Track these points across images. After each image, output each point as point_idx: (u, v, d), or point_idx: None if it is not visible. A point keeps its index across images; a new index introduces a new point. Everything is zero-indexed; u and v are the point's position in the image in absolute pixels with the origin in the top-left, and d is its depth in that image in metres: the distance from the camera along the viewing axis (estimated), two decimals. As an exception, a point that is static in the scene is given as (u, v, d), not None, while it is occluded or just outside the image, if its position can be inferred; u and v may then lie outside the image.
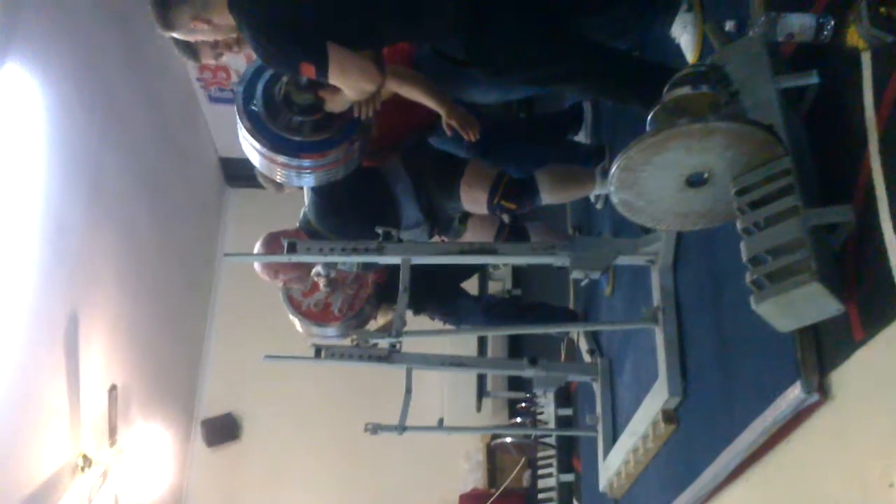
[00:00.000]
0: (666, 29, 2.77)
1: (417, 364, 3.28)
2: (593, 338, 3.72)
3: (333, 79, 2.59)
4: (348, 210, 3.16)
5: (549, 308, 4.08)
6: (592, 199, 3.58)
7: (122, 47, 5.29)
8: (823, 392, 1.81)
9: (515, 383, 6.10)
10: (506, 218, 3.56)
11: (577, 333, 3.93)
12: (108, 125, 5.11)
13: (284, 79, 2.82)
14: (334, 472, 6.42)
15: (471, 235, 3.52)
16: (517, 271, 6.25)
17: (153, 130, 5.91)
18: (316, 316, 3.74)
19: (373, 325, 3.92)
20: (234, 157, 7.01)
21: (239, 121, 2.84)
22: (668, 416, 2.61)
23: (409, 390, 3.32)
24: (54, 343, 4.46)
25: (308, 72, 2.57)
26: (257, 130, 2.81)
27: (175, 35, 2.70)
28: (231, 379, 6.71)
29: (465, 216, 3.43)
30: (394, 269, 3.35)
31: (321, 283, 3.55)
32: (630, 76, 2.69)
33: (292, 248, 2.75)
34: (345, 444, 6.28)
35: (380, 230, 2.83)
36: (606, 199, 3.49)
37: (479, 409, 6.34)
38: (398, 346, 3.00)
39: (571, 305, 4.22)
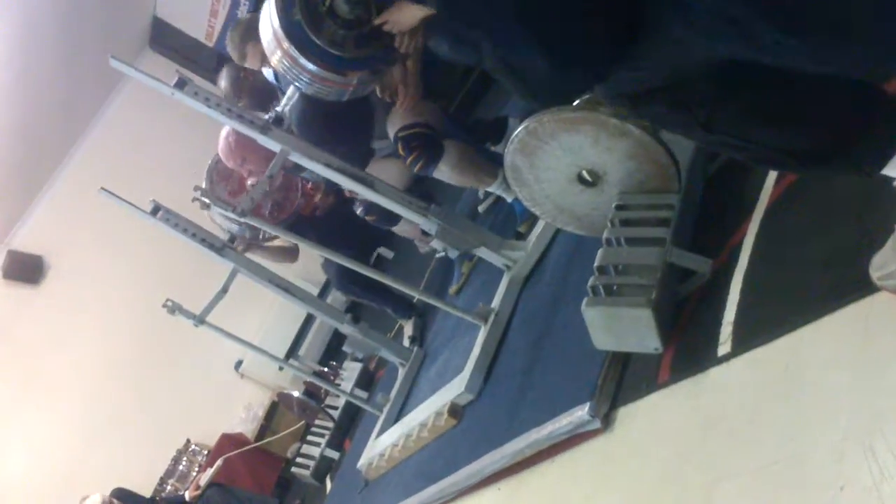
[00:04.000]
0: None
1: (245, 269, 3.15)
2: (420, 330, 3.68)
3: None
4: (328, 120, 3.01)
5: (396, 298, 4.02)
6: (481, 195, 3.55)
7: None
8: (606, 422, 1.79)
9: (325, 361, 5.99)
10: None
11: (409, 321, 3.88)
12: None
13: None
14: (117, 358, 6.11)
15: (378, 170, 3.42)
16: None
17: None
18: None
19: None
20: (168, 23, 6.76)
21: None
22: (454, 409, 2.57)
23: (225, 290, 3.19)
24: None
25: None
26: (284, 8, 2.62)
27: None
28: (59, 221, 6.34)
29: None
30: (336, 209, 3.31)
31: (249, 181, 3.42)
32: None
33: (180, 85, 2.63)
34: (140, 334, 6.01)
35: (271, 114, 2.73)
36: (490, 207, 3.48)
37: (281, 368, 6.19)
38: (237, 241, 2.88)
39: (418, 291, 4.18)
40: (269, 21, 2.66)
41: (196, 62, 6.65)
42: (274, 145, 2.67)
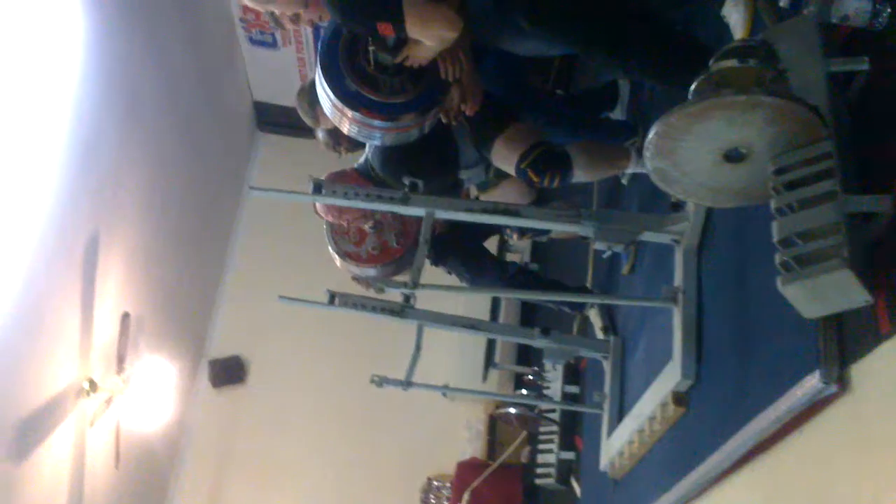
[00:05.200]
0: (716, 8, 2.71)
1: (430, 322, 3.24)
2: (608, 315, 3.68)
3: (412, 31, 2.54)
4: (411, 157, 3.13)
5: (566, 288, 4.04)
6: (620, 175, 3.53)
7: (169, -22, 5.26)
8: (842, 384, 1.76)
9: (523, 358, 6.08)
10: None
11: (592, 310, 3.88)
12: (148, 54, 5.09)
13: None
14: (336, 424, 6.44)
15: (500, 197, 3.48)
16: (536, 246, 6.20)
17: (191, 65, 5.89)
18: (378, 259, 3.68)
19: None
20: (269, 102, 7.05)
21: (318, 69, 2.80)
22: (679, 398, 2.57)
23: (418, 347, 3.29)
24: (72, 263, 4.44)
25: (386, 30, 2.54)
26: (335, 84, 2.76)
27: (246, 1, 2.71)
28: (242, 321, 6.73)
29: (501, 175, 3.39)
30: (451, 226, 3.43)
31: (366, 226, 3.51)
32: (679, 52, 2.63)
33: (318, 189, 2.73)
34: (348, 398, 6.30)
35: (406, 181, 2.80)
36: (634, 176, 3.44)
37: (485, 378, 6.32)
38: (412, 299, 2.97)
39: (589, 283, 4.17)
40: (325, 95, 2.78)
41: (303, 127, 6.87)
42: (418, 212, 2.74)
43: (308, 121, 3.38)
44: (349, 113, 2.80)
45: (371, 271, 3.74)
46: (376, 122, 2.81)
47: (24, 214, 3.87)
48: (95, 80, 4.38)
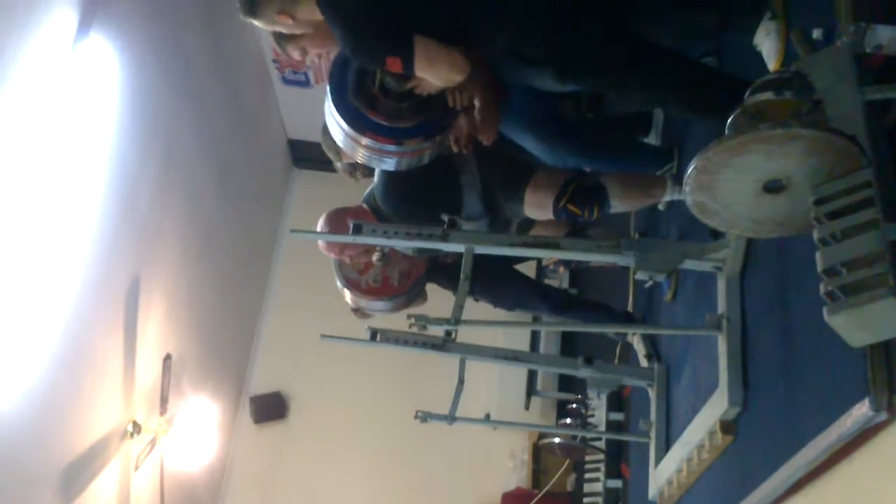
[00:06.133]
0: (747, 36, 2.73)
1: (471, 355, 3.28)
2: (651, 342, 3.68)
3: (420, 71, 2.62)
4: (412, 194, 3.18)
5: (607, 308, 4.05)
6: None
7: (203, 23, 5.35)
8: (892, 411, 1.76)
9: (565, 384, 6.06)
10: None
11: (634, 337, 3.88)
12: (184, 97, 5.19)
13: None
14: (379, 458, 6.44)
15: (535, 231, 3.51)
16: (575, 272, 6.20)
17: (226, 107, 5.98)
18: (377, 291, 3.73)
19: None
20: (303, 140, 7.12)
21: (328, 98, 2.89)
22: (727, 426, 2.57)
23: (461, 381, 3.31)
24: (115, 306, 4.52)
25: (394, 66, 2.60)
26: (343, 109, 2.85)
27: (256, 23, 2.76)
28: (283, 357, 6.77)
29: (527, 224, 3.43)
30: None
31: (374, 257, 3.55)
32: (713, 88, 2.65)
33: (358, 230, 2.77)
34: (391, 432, 6.30)
35: (445, 217, 2.84)
36: (671, 202, 3.45)
37: (527, 407, 6.29)
38: (454, 334, 2.99)
39: (630, 309, 4.17)
40: (336, 125, 2.85)
41: (339, 161, 7.00)
42: (458, 247, 2.77)
43: (331, 155, 3.46)
44: (362, 140, 2.87)
45: (379, 304, 3.80)
46: (387, 147, 2.88)
47: (66, 261, 3.96)
48: (132, 127, 4.47)
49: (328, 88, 2.90)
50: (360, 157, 2.99)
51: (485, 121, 3.06)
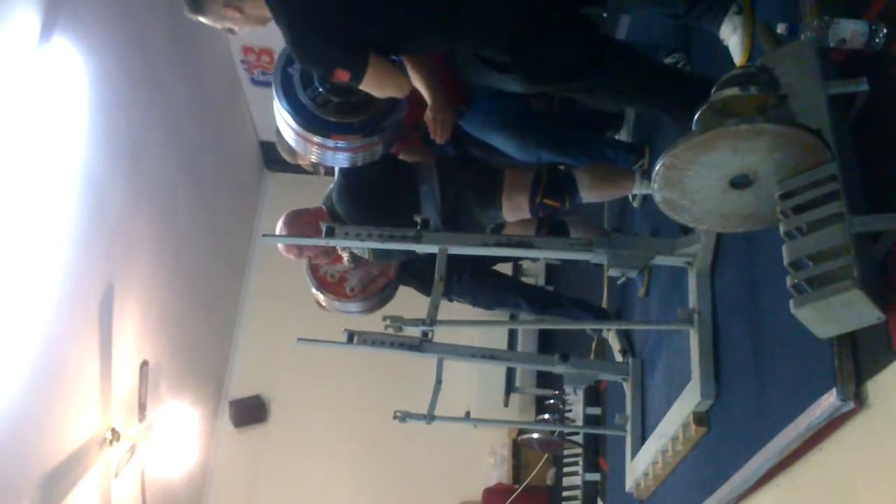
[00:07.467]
0: (714, 30, 2.75)
1: (449, 355, 3.29)
2: (626, 338, 3.71)
3: (365, 87, 2.63)
4: (368, 198, 3.19)
5: (585, 303, 4.06)
6: (630, 197, 3.57)
7: (168, 25, 5.29)
8: (859, 400, 1.79)
9: (544, 380, 6.10)
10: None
11: (609, 332, 3.91)
12: (151, 102, 5.15)
13: None
14: (360, 459, 6.45)
15: (509, 230, 3.53)
16: (550, 268, 6.24)
17: (195, 110, 5.95)
18: (330, 286, 3.70)
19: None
20: (274, 142, 7.09)
21: (276, 99, 2.86)
22: (700, 418, 2.60)
23: (439, 380, 3.33)
24: (88, 315, 4.49)
25: (341, 76, 2.58)
26: (293, 109, 2.83)
27: (202, 20, 2.72)
28: (261, 361, 6.76)
29: (498, 228, 3.45)
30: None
31: (345, 257, 3.54)
32: (681, 87, 2.67)
33: (330, 233, 2.77)
34: (371, 432, 6.32)
35: (418, 218, 2.84)
36: (644, 198, 3.48)
37: (506, 404, 6.33)
38: (430, 334, 3.00)
39: (605, 305, 4.20)
40: (286, 125, 2.85)
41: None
42: (432, 248, 2.78)
43: (286, 156, 3.48)
44: (313, 138, 2.86)
45: (351, 306, 3.78)
46: (339, 143, 2.88)
47: (37, 269, 3.92)
48: (99, 131, 4.42)
49: (274, 89, 2.87)
50: (313, 155, 2.98)
51: (436, 120, 3.12)
